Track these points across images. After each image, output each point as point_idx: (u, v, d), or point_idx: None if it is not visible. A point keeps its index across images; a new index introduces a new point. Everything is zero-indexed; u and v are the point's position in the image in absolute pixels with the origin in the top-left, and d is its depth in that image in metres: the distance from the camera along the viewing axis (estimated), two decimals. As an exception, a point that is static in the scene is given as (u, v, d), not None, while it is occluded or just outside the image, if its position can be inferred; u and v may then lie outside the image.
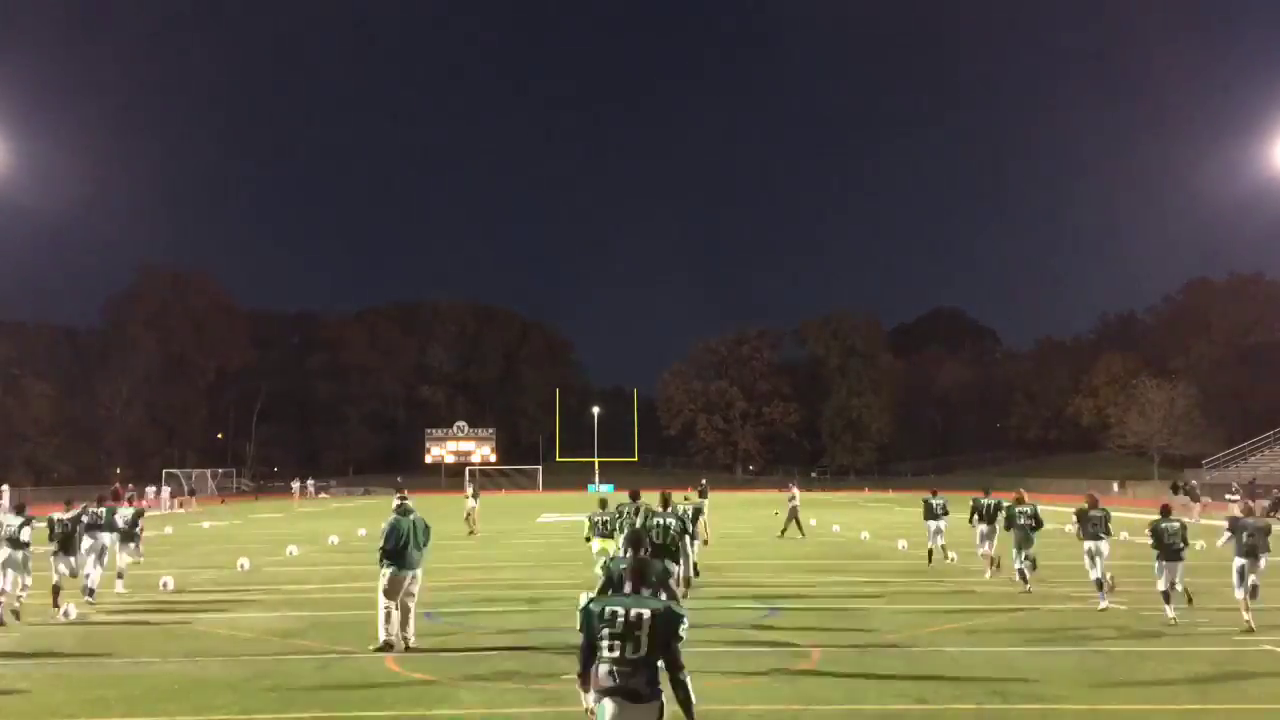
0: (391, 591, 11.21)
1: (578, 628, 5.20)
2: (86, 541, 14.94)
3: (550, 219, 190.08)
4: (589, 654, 5.13)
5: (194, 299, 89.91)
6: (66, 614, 13.51)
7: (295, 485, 68.64)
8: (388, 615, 11.21)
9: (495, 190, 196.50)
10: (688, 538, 14.08)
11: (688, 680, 5.00)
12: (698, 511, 16.30)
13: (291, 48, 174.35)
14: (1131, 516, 36.56)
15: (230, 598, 15.74)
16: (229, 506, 53.88)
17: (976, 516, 17.89)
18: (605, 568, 7.67)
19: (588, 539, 14.02)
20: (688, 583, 14.30)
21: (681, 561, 13.16)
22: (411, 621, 11.43)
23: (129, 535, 16.14)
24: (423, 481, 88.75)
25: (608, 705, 4.95)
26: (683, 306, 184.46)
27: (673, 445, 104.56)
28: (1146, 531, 13.34)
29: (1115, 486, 57.37)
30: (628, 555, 5.79)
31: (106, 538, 15.41)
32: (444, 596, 15.50)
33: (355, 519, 38.89)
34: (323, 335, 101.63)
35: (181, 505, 50.56)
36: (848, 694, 8.97)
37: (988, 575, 17.43)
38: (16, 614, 13.16)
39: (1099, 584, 13.85)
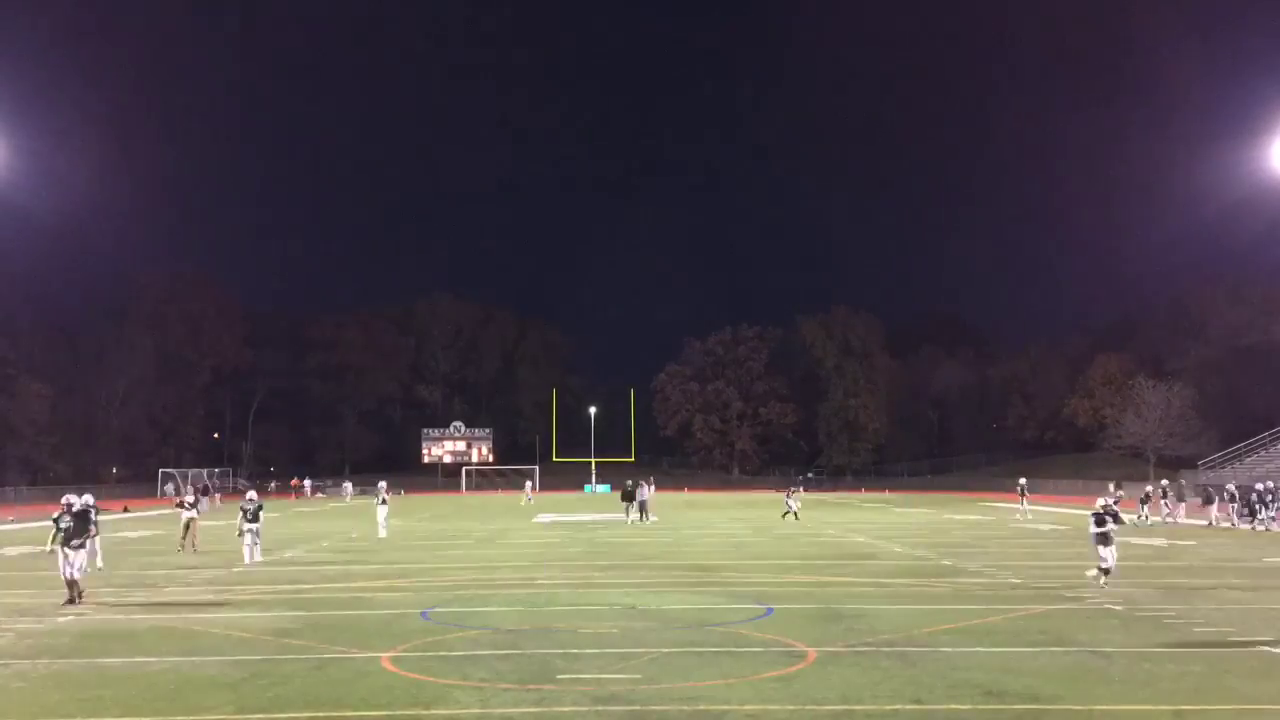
0: None
1: None
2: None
3: (548, 219, 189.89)
4: None
5: (191, 299, 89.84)
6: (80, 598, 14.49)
7: (307, 484, 69.12)
8: None
9: (493, 190, 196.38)
10: None
11: None
12: None
13: (292, 48, 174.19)
14: (1129, 517, 36.68)
15: (226, 598, 15.73)
16: (227, 506, 53.79)
17: None
18: None
19: None
20: None
21: None
22: None
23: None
24: (421, 481, 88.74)
25: None
26: (680, 307, 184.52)
27: (670, 446, 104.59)
28: None
29: (1112, 487, 57.36)
30: None
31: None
32: (440, 597, 15.51)
33: (352, 519, 38.88)
34: (319, 335, 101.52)
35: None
36: (843, 694, 8.98)
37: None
38: None
39: None
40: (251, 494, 22.20)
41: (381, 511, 28.20)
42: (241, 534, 20.83)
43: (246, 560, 20.42)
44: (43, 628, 12.91)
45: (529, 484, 63.99)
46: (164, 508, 50.44)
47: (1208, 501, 33.26)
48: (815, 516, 38.85)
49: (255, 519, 20.89)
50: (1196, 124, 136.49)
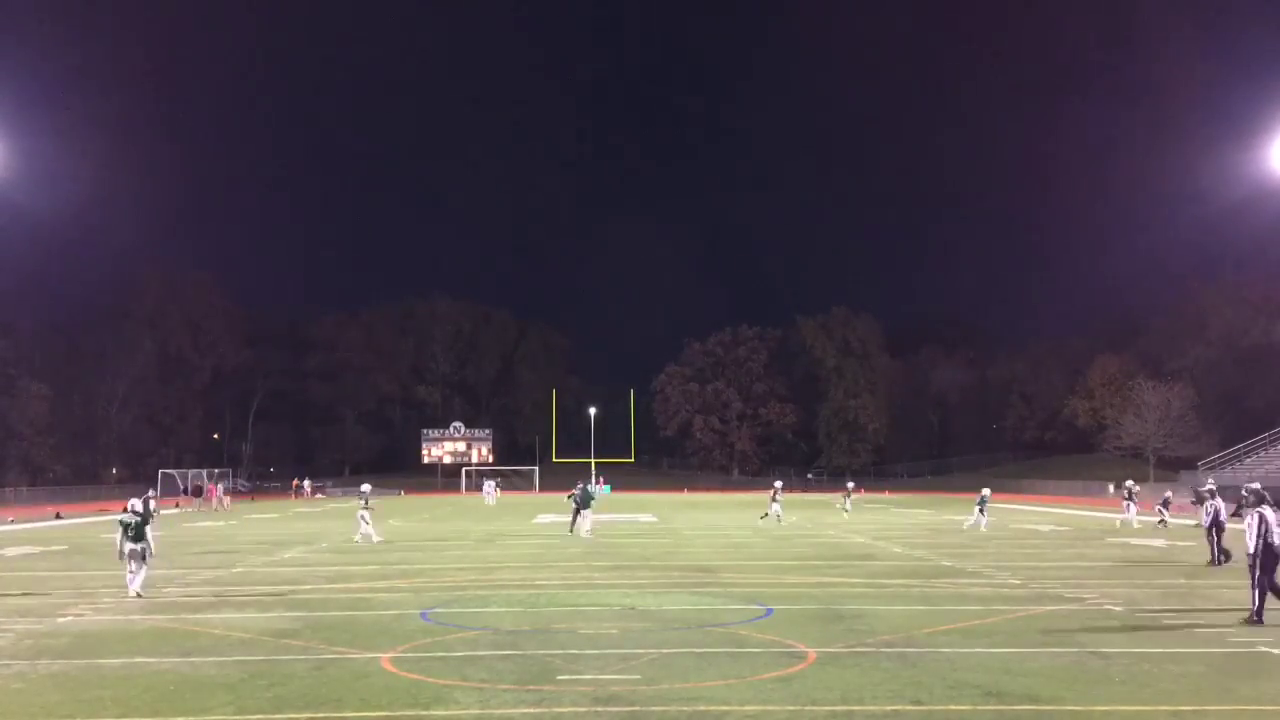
0: None
1: None
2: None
3: (548, 219, 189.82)
4: None
5: (191, 299, 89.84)
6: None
7: (307, 484, 69.27)
8: None
9: (492, 191, 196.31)
10: None
11: None
12: None
13: (292, 49, 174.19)
14: (1125, 518, 36.64)
15: (225, 598, 15.72)
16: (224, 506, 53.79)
17: None
18: None
19: None
20: None
21: None
22: None
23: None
24: (420, 482, 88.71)
25: None
26: (680, 307, 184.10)
27: (670, 446, 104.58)
28: None
29: (1110, 488, 57.39)
30: None
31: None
32: (439, 597, 15.51)
33: (351, 520, 38.83)
34: (319, 335, 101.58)
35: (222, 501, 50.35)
36: (843, 695, 8.98)
37: None
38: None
39: None
40: (135, 501, 16.19)
41: (364, 517, 26.16)
42: (122, 556, 15.58)
43: (130, 591, 15.46)
44: (42, 628, 12.91)
45: (491, 483, 60.84)
46: (166, 508, 50.44)
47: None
48: (814, 517, 38.86)
49: (139, 537, 15.50)
50: (1196, 124, 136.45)
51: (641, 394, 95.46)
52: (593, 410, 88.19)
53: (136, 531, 15.54)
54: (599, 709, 8.53)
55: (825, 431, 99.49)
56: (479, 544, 26.42)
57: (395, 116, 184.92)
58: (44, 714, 8.58)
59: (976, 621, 13.03)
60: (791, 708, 8.58)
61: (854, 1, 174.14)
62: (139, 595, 15.39)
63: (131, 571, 15.59)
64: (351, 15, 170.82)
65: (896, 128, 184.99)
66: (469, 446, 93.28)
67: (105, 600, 15.51)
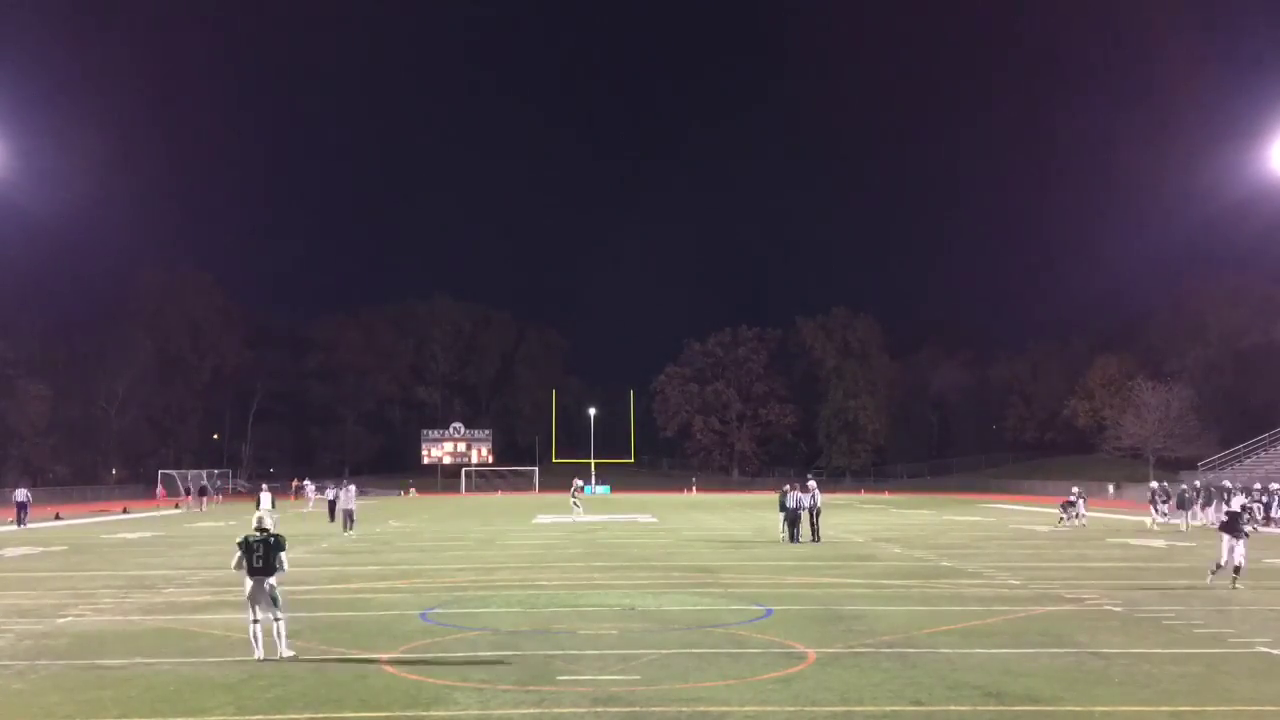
0: None
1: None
2: None
3: (548, 220, 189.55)
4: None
5: (191, 300, 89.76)
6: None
7: (308, 485, 69.10)
8: None
9: (493, 191, 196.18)
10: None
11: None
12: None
13: (292, 49, 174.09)
14: (1126, 519, 36.69)
15: (225, 599, 15.72)
16: (225, 507, 53.84)
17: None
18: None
19: None
20: None
21: None
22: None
23: None
24: (421, 483, 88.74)
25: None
26: (680, 308, 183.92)
27: (669, 447, 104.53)
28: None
29: (1110, 489, 57.40)
30: None
31: None
32: (439, 598, 15.52)
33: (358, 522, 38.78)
34: (319, 336, 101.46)
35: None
36: (843, 695, 8.98)
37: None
38: None
39: None
40: (263, 514, 12.68)
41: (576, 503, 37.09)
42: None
43: (256, 653, 10.72)
44: (42, 629, 12.91)
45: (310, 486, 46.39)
46: (166, 508, 50.50)
47: (1207, 503, 33.23)
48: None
49: (268, 568, 11.26)
50: (1196, 124, 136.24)
51: (641, 394, 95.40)
52: (593, 410, 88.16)
53: (265, 559, 10.93)
54: (599, 709, 8.53)
55: (825, 432, 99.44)
56: (479, 544, 26.43)
57: (395, 117, 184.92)
58: (44, 714, 8.58)
59: (976, 622, 13.03)
60: (791, 708, 8.58)
61: (854, 2, 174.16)
62: (279, 657, 10.60)
63: (256, 619, 10.68)
64: (352, 16, 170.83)
65: (897, 128, 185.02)
66: (469, 447, 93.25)
67: (105, 601, 15.51)
